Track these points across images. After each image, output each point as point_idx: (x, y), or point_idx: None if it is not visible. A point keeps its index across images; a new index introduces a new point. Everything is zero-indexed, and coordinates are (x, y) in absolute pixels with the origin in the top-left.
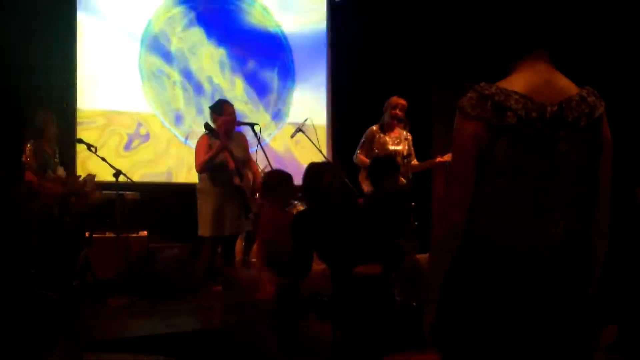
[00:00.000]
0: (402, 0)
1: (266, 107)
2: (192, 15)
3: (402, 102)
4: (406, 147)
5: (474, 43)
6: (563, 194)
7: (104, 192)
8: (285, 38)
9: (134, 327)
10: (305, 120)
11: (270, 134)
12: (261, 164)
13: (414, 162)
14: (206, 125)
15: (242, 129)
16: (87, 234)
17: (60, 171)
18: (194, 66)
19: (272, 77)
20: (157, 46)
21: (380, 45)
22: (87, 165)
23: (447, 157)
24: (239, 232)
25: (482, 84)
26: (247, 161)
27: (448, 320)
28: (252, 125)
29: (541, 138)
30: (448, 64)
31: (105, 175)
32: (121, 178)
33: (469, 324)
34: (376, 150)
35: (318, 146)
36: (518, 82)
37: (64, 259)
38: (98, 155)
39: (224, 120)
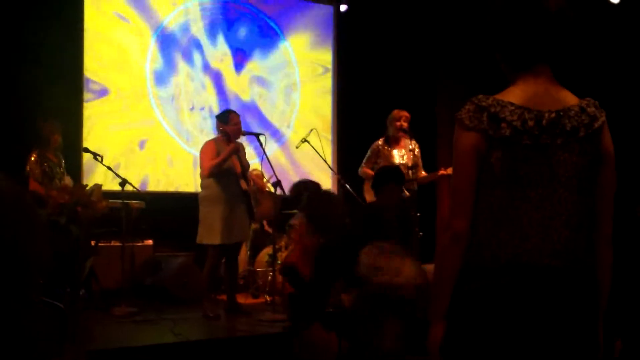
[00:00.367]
0: (407, 12)
1: (270, 118)
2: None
3: (405, 113)
4: (411, 158)
5: (479, 54)
6: (563, 203)
7: (110, 200)
8: (291, 50)
9: (139, 336)
10: (311, 131)
11: (276, 144)
12: (266, 174)
13: (422, 173)
14: (219, 127)
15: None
16: (92, 243)
17: (67, 180)
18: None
19: (277, 88)
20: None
21: (385, 56)
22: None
23: (450, 170)
24: (244, 239)
25: (480, 96)
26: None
27: (457, 336)
28: (257, 135)
29: (538, 146)
30: (453, 75)
31: (110, 184)
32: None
33: (479, 340)
34: (381, 163)
35: (323, 156)
36: (516, 93)
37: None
38: (104, 165)
39: (229, 129)
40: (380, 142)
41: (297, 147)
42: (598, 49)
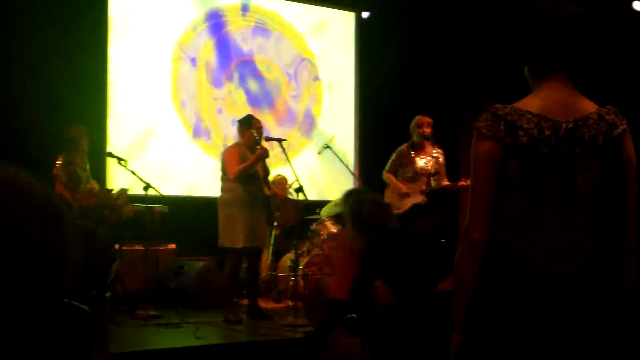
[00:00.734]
0: (430, 21)
1: (293, 124)
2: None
3: (427, 119)
4: (434, 165)
5: (501, 64)
6: (582, 212)
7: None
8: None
9: (162, 340)
10: (332, 136)
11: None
12: (289, 180)
13: (445, 182)
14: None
15: None
16: (117, 247)
17: (94, 184)
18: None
19: (299, 94)
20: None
21: (408, 65)
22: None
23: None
24: (265, 246)
25: (497, 105)
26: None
27: (476, 342)
28: (279, 140)
29: (556, 156)
30: (476, 85)
31: (133, 188)
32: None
33: (498, 346)
34: (405, 168)
35: (345, 162)
36: (534, 102)
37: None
38: (128, 169)
39: (251, 134)
40: (404, 147)
41: (319, 153)
42: (621, 56)
